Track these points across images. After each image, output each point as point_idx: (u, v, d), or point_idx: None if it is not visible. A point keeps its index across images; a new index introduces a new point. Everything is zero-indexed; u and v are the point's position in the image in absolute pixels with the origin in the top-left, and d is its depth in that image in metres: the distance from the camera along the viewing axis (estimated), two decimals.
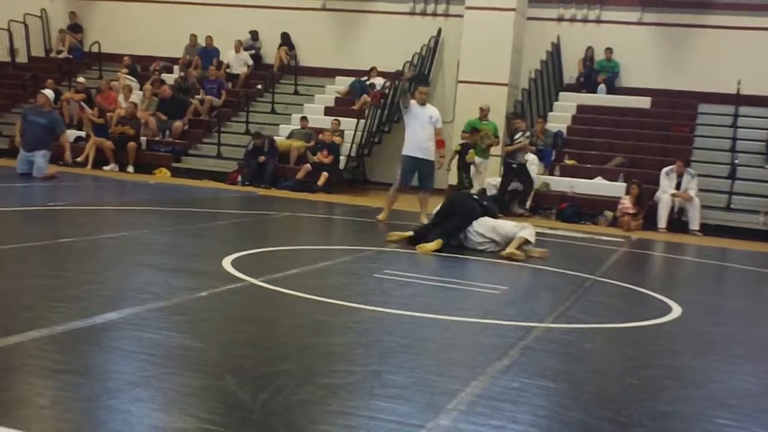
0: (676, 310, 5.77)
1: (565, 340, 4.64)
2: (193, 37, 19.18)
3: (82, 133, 16.74)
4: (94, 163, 15.72)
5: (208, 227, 8.78)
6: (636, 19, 17.11)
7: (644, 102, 16.52)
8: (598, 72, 17.05)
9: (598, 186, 14.26)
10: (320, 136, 15.66)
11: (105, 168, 15.73)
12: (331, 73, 18.48)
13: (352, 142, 15.76)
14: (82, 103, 17.41)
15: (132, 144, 15.83)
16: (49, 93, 12.94)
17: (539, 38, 16.71)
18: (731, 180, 14.32)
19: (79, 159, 15.68)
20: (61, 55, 20.00)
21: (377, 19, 18.47)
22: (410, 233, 8.18)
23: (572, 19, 17.41)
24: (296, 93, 18.23)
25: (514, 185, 13.67)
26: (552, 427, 3.11)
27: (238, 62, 18.86)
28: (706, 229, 13.24)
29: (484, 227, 8.12)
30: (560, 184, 14.41)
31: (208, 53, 19.04)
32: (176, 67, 19.05)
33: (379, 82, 17.15)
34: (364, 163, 17.02)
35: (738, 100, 15.73)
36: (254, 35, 19.22)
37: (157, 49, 19.33)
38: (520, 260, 7.68)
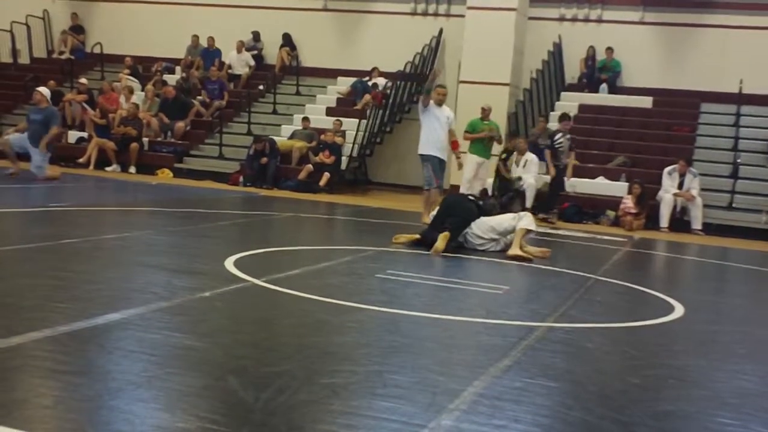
0: (678, 310, 5.77)
1: (567, 340, 4.64)
2: (195, 37, 19.20)
3: (84, 134, 16.77)
4: (96, 164, 15.75)
5: (210, 228, 8.78)
6: (637, 18, 17.10)
7: (646, 101, 16.51)
8: (600, 71, 17.05)
9: (600, 185, 14.25)
10: (322, 136, 15.67)
11: (107, 169, 15.75)
12: (332, 74, 18.49)
13: (354, 143, 15.76)
14: (84, 104, 17.44)
15: (134, 145, 15.86)
16: (44, 90, 12.83)
17: (541, 38, 16.71)
18: (733, 179, 14.30)
19: (81, 160, 15.71)
20: (63, 56, 20.03)
21: (379, 19, 18.48)
22: (417, 236, 8.15)
23: (574, 19, 17.42)
24: (298, 93, 18.24)
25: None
26: (554, 426, 3.11)
27: (239, 63, 18.88)
28: (708, 229, 13.23)
29: (482, 229, 8.09)
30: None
31: (209, 54, 19.06)
32: (178, 68, 19.08)
33: (380, 82, 17.16)
34: (366, 163, 17.03)
35: (740, 99, 15.72)
36: (256, 36, 19.23)
37: (159, 50, 19.37)
38: (527, 262, 7.64)
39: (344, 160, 15.62)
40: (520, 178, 13.50)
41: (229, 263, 6.01)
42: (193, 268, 6.05)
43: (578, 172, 14.60)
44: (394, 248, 7.89)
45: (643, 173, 14.15)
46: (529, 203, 13.25)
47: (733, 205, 13.91)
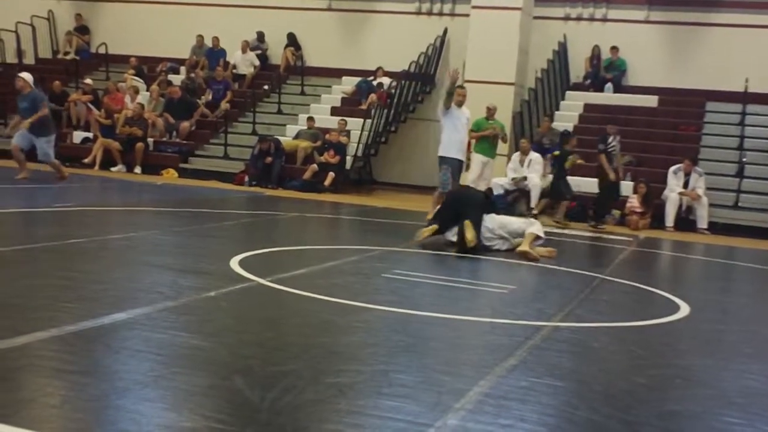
0: (684, 309, 5.76)
1: (573, 339, 4.64)
2: (200, 38, 19.22)
3: (90, 135, 16.79)
4: (101, 164, 15.78)
5: (215, 228, 8.79)
6: (643, 17, 17.07)
7: (651, 101, 16.46)
8: (605, 71, 17.02)
9: None
10: (327, 136, 15.68)
11: (112, 169, 15.78)
12: (337, 73, 18.49)
13: (359, 142, 15.76)
14: (90, 105, 17.48)
15: (139, 145, 15.88)
16: (26, 75, 12.52)
17: (546, 37, 16.69)
18: (739, 178, 14.27)
19: (86, 160, 15.74)
20: (68, 57, 20.07)
21: (383, 19, 18.48)
22: (435, 226, 8.12)
23: (579, 18, 17.40)
24: (303, 93, 18.24)
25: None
26: (560, 425, 3.11)
27: (244, 63, 18.89)
28: (714, 228, 13.21)
29: (494, 223, 8.13)
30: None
31: (214, 54, 19.09)
32: (183, 68, 19.10)
33: (385, 81, 17.16)
34: (371, 163, 17.03)
35: (746, 98, 15.68)
36: (260, 36, 19.24)
37: (164, 50, 19.39)
38: (534, 261, 7.65)
39: (349, 159, 15.62)
40: (525, 178, 13.47)
41: (235, 263, 6.02)
42: (198, 267, 6.06)
43: (583, 172, 14.57)
44: (399, 248, 7.90)
45: (648, 172, 14.12)
46: (534, 203, 13.23)
47: (739, 204, 13.89)
